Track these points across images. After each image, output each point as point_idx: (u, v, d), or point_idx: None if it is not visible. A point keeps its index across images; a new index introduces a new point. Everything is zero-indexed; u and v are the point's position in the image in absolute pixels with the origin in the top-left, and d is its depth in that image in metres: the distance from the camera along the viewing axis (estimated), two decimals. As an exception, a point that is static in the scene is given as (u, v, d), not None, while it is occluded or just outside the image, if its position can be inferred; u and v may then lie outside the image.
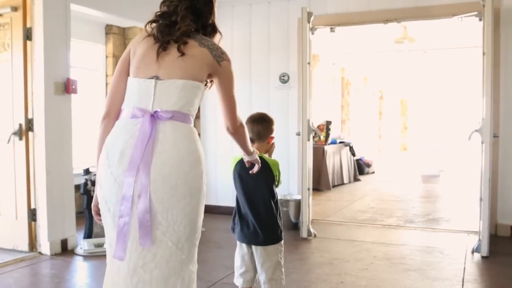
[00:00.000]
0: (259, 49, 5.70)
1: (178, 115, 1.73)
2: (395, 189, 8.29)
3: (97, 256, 4.00)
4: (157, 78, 1.75)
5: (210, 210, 5.90)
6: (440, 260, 3.89)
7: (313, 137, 4.93)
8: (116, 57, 6.35)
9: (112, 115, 1.84)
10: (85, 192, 4.40)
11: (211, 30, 1.93)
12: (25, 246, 4.14)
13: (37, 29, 4.04)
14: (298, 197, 5.01)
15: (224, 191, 5.94)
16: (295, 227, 4.94)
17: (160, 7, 1.90)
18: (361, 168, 10.28)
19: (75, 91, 4.26)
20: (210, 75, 1.85)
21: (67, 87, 4.19)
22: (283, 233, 2.54)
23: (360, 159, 10.48)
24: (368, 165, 10.71)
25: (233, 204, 6.40)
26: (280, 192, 5.40)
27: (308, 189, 4.72)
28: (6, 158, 4.19)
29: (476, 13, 4.42)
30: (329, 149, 8.25)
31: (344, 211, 6.20)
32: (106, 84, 6.35)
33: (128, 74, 1.84)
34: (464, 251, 4.12)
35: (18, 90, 4.09)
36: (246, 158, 2.27)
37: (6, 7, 4.06)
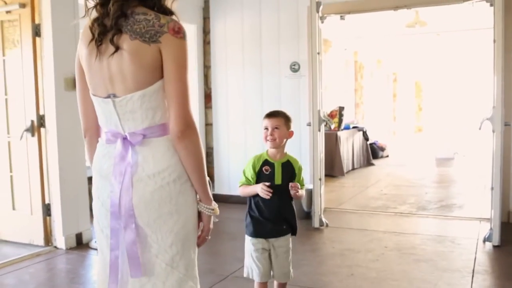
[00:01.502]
0: (269, 38, 5.66)
1: (151, 131, 1.58)
2: (408, 174, 8.23)
3: (111, 249, 4.06)
4: (113, 96, 1.57)
5: (224, 200, 5.96)
6: (451, 250, 3.88)
7: (325, 126, 4.91)
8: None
9: (91, 130, 1.75)
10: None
11: None
12: (40, 241, 4.23)
13: (46, 25, 4.05)
14: (310, 186, 5.01)
15: (237, 181, 5.93)
16: (307, 216, 4.95)
17: None
18: (375, 152, 10.23)
19: (85, 86, 4.28)
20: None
21: (77, 83, 4.21)
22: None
23: (374, 143, 10.43)
24: (382, 149, 10.65)
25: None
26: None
27: (320, 179, 4.72)
28: (20, 154, 4.25)
29: (486, -2, 4.32)
30: (342, 135, 8.22)
31: (357, 198, 6.20)
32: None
33: (87, 89, 1.66)
34: (475, 240, 4.10)
35: (29, 86, 4.14)
36: (199, 208, 1.67)
37: (14, 3, 4.08)
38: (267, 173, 2.49)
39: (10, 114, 4.31)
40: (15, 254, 4.04)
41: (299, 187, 2.46)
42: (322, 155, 4.87)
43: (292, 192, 2.43)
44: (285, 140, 2.52)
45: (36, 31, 4.08)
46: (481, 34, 8.31)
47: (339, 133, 8.07)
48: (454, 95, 14.43)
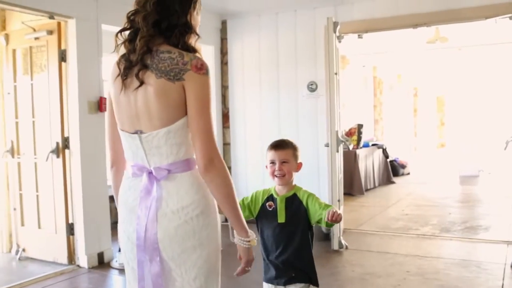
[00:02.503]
0: (287, 57, 5.68)
1: (176, 166, 1.62)
2: (431, 192, 8.12)
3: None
4: (140, 132, 1.63)
5: (243, 219, 5.96)
6: (477, 276, 3.80)
7: (343, 145, 4.89)
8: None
9: (118, 163, 1.80)
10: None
11: (182, 30, 1.63)
12: (64, 259, 4.30)
13: (71, 51, 4.17)
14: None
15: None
16: (326, 238, 4.91)
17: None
18: (395, 169, 10.13)
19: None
20: None
21: (100, 106, 4.30)
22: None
23: (394, 160, 10.33)
24: (403, 166, 10.54)
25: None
26: (312, 201, 5.41)
27: (339, 200, 4.69)
28: (46, 175, 4.36)
29: (510, 15, 4.29)
30: (361, 152, 8.17)
31: (377, 218, 6.13)
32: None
33: (116, 123, 1.73)
34: (503, 265, 4.00)
35: (55, 109, 4.24)
36: (233, 240, 1.71)
37: (42, 30, 4.21)
38: (270, 209, 2.22)
39: (37, 136, 4.42)
40: (40, 272, 4.13)
41: (334, 212, 2.04)
42: (341, 176, 4.85)
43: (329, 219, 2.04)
44: (294, 174, 2.24)
45: (62, 57, 4.20)
46: (505, 48, 8.22)
47: (358, 151, 8.03)
48: (477, 109, 14.24)
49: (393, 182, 9.30)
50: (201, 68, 1.57)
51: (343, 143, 4.79)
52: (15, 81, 4.49)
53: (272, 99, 5.80)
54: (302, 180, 5.51)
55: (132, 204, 1.68)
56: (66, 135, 4.24)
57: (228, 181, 1.59)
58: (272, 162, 2.21)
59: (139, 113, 1.61)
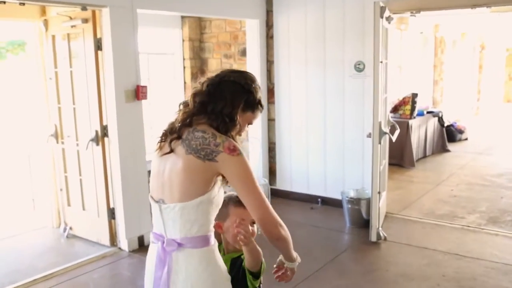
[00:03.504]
0: (334, 34, 5.41)
1: (187, 241, 1.68)
2: (487, 166, 7.69)
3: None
4: (162, 202, 1.71)
5: (285, 196, 5.98)
6: (516, 286, 3.63)
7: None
8: (192, 40, 6.40)
9: None
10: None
11: (226, 120, 1.68)
12: (107, 241, 4.51)
13: (106, 39, 4.15)
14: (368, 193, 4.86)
15: (299, 177, 5.93)
16: (366, 224, 4.80)
17: None
18: (452, 135, 9.67)
19: (145, 97, 4.38)
20: (218, 175, 1.67)
21: (137, 94, 4.31)
22: None
23: (451, 125, 9.86)
24: (461, 131, 10.04)
25: (307, 190, 6.28)
26: (353, 186, 5.31)
27: (379, 192, 4.55)
28: (87, 161, 4.50)
29: None
30: (414, 122, 7.82)
31: (423, 199, 5.92)
32: (184, 67, 6.46)
33: None
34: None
35: (93, 98, 4.30)
36: (287, 265, 1.82)
37: (77, 19, 4.20)
38: None
39: (78, 122, 4.53)
40: (84, 253, 4.37)
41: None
42: (383, 167, 4.68)
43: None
44: None
45: (98, 45, 4.19)
46: None
47: (410, 121, 7.68)
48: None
49: (448, 151, 8.90)
50: (234, 150, 1.62)
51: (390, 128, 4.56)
52: (56, 67, 4.57)
53: (318, 76, 5.60)
54: (346, 165, 5.49)
55: (152, 269, 1.78)
56: (104, 123, 4.31)
57: (287, 234, 1.70)
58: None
59: (165, 182, 1.70)
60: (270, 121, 6.10)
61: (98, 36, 4.17)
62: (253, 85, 1.76)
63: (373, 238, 4.55)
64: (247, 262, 1.81)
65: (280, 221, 1.66)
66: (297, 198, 5.92)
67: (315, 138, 5.73)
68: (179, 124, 1.69)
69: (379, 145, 4.45)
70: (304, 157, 5.87)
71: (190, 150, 1.63)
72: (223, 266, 1.76)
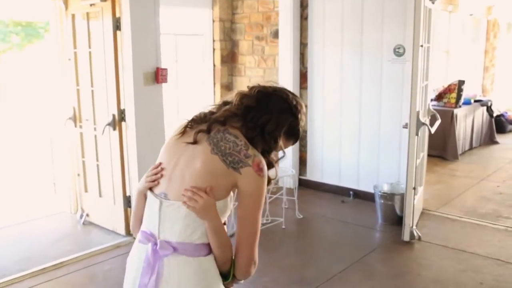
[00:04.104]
0: (372, 15, 5.01)
1: (185, 247, 1.50)
2: (539, 160, 7.11)
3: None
4: (165, 197, 1.53)
5: (316, 187, 5.68)
6: None
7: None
8: (223, 21, 6.13)
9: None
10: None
11: (264, 137, 1.56)
12: (122, 230, 4.35)
13: (125, 18, 3.94)
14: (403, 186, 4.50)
15: (330, 167, 5.61)
16: (399, 222, 4.43)
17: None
18: (502, 125, 9.03)
19: (165, 80, 4.16)
20: (234, 186, 1.53)
21: (157, 77, 4.09)
22: None
23: (502, 115, 9.21)
24: (512, 122, 9.38)
25: (339, 182, 5.96)
26: (388, 179, 4.93)
27: (414, 188, 4.17)
28: (104, 146, 4.33)
29: None
30: (459, 112, 7.28)
31: (465, 196, 5.48)
32: (213, 49, 6.20)
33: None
34: None
35: (111, 80, 4.11)
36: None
37: (96, -3, 4.01)
38: None
39: (96, 106, 4.36)
40: (99, 241, 4.23)
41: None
42: (420, 160, 4.29)
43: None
44: None
45: (117, 25, 3.99)
46: None
47: (456, 110, 7.14)
48: None
49: (496, 143, 8.31)
50: (262, 170, 1.50)
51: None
52: (75, 47, 4.40)
53: (354, 60, 5.23)
54: (381, 157, 5.11)
55: (134, 274, 1.57)
56: (122, 107, 4.13)
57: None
58: None
59: (174, 176, 1.53)
60: (302, 107, 5.77)
61: (117, 15, 3.96)
62: (302, 111, 1.65)
63: (406, 237, 4.19)
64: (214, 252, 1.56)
65: (257, 259, 1.57)
66: (327, 190, 5.60)
67: (349, 127, 5.38)
68: (214, 118, 1.55)
69: (416, 136, 4.06)
70: (336, 146, 5.53)
71: (216, 151, 1.49)
72: (220, 280, 1.57)
